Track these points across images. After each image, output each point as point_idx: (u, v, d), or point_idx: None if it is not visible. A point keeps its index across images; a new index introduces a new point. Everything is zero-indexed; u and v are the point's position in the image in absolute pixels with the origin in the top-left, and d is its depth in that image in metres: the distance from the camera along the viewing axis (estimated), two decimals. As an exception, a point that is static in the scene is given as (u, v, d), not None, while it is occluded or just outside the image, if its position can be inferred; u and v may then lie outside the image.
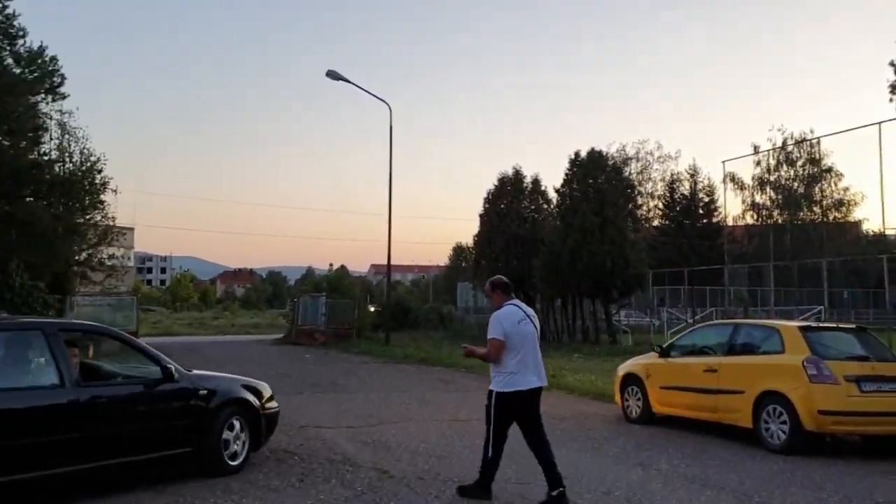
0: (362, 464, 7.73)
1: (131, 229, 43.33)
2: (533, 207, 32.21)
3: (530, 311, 6.70)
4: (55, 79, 18.83)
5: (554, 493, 6.30)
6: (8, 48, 17.96)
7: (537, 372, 6.48)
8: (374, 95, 29.10)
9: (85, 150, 28.23)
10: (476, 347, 6.91)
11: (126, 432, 6.49)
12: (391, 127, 28.91)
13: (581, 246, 26.79)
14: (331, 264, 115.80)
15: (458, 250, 67.70)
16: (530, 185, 32.28)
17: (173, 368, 7.00)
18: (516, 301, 6.73)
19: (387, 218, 28.76)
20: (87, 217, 25.72)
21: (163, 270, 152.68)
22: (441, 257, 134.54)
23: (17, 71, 17.57)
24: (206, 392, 7.18)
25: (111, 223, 30.19)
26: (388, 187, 28.86)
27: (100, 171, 27.43)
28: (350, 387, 15.59)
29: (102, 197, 26.97)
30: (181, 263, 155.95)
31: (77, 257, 27.20)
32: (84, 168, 26.28)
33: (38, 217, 18.40)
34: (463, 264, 60.01)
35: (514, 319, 6.47)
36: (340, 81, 28.19)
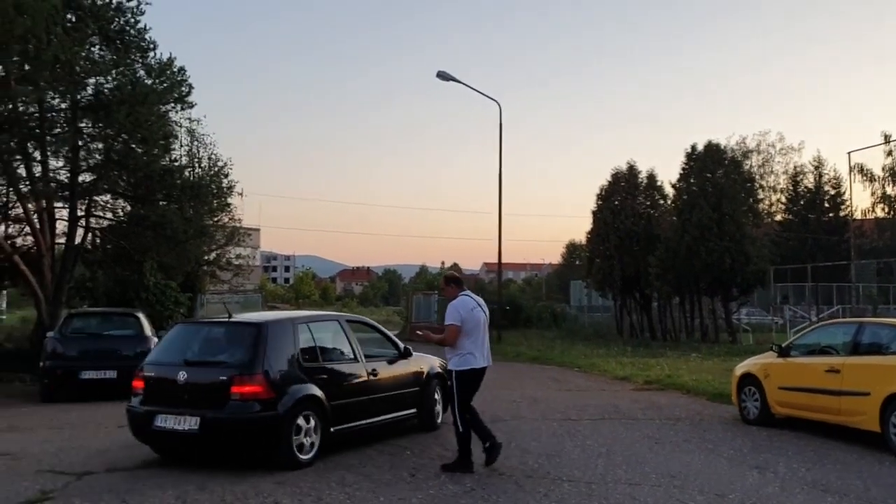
0: (472, 460, 7.84)
1: (257, 230, 45.25)
2: (648, 203, 31.48)
3: (480, 300, 7.78)
4: (183, 88, 19.79)
5: (486, 445, 7.58)
6: (140, 61, 19.02)
7: (484, 354, 7.64)
8: (484, 94, 29.28)
9: (212, 156, 29.77)
10: (431, 333, 8.32)
11: (389, 396, 8.93)
12: (501, 125, 29.03)
13: (699, 242, 26.02)
14: (443, 262, 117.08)
15: (571, 248, 66.99)
16: (645, 181, 31.57)
17: (410, 348, 9.55)
18: (468, 292, 7.84)
19: (497, 216, 28.91)
20: (216, 219, 27.07)
21: (286, 269, 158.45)
22: (553, 255, 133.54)
23: (149, 82, 18.56)
24: (424, 367, 9.70)
25: (238, 224, 31.72)
26: (499, 185, 29.00)
27: (226, 176, 28.84)
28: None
29: (229, 200, 28.34)
30: (303, 262, 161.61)
31: (206, 257, 28.69)
32: (212, 173, 27.69)
33: (169, 220, 19.42)
34: (576, 262, 59.40)
35: (468, 307, 7.57)
36: (451, 81, 28.50)
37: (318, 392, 7.73)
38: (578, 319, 39.19)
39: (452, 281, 7.94)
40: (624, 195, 31.27)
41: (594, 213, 32.02)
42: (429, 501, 6.29)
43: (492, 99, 29.27)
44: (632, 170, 31.62)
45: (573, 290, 43.12)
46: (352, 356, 8.59)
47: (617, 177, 31.73)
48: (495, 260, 30.58)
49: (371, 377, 8.63)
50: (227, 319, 8.23)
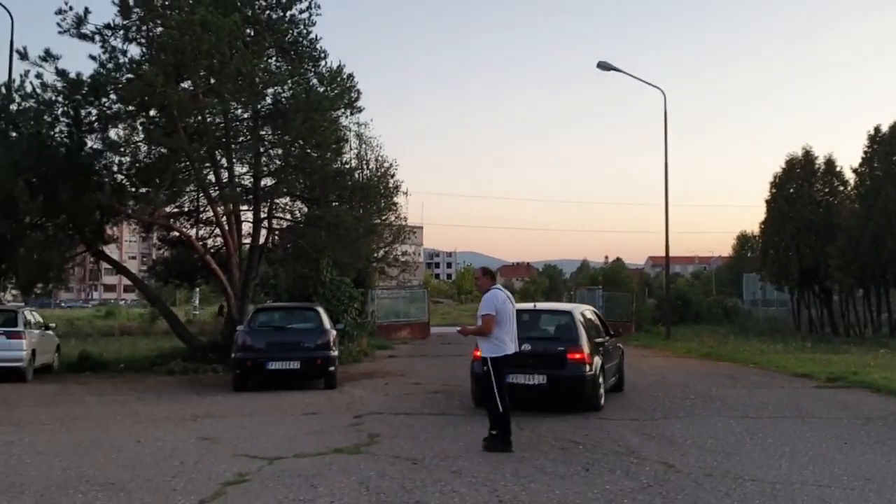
0: (647, 456, 7.72)
1: (420, 228, 46.49)
2: (827, 190, 29.52)
3: (509, 294, 8.61)
4: (352, 94, 20.65)
5: (493, 432, 8.18)
6: (312, 70, 20.01)
7: (515, 342, 8.42)
8: (647, 83, 28.53)
9: (379, 158, 31.01)
10: (468, 326, 9.22)
11: (614, 365, 12.29)
12: (665, 113, 28.17)
13: (885, 231, 24.17)
14: (606, 257, 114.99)
15: (743, 239, 63.84)
16: (823, 166, 29.62)
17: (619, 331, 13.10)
18: (499, 286, 8.64)
19: (663, 208, 28.07)
20: (383, 218, 28.17)
21: (448, 265, 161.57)
22: (723, 247, 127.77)
23: (321, 90, 19.46)
24: (621, 345, 13.14)
25: (403, 223, 32.81)
26: (664, 176, 28.15)
27: (392, 176, 29.98)
28: (631, 380, 15.46)
29: (395, 199, 29.42)
30: (465, 258, 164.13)
31: (376, 254, 29.91)
32: (379, 174, 28.87)
33: (342, 220, 20.34)
34: (748, 254, 56.55)
35: (501, 299, 8.32)
36: (612, 71, 27.98)
37: (601, 358, 11.22)
38: (752, 314, 37.36)
39: (487, 274, 8.85)
40: (800, 182, 29.53)
41: (767, 202, 30.45)
42: (604, 496, 6.25)
43: (655, 87, 28.52)
44: (808, 155, 29.78)
45: (746, 284, 41.13)
46: (603, 335, 12.08)
47: (791, 163, 30.00)
48: (661, 253, 29.70)
49: (612, 350, 12.27)
50: (546, 307, 13.27)
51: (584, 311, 12.07)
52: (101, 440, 8.78)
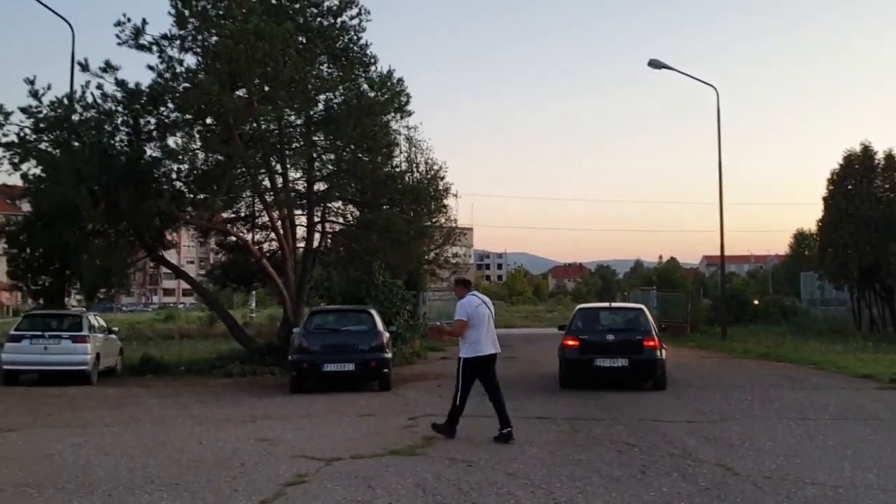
0: (704, 459, 7.65)
1: (470, 229, 46.55)
2: (887, 186, 28.63)
3: (486, 298, 9.28)
4: (402, 98, 20.83)
5: (504, 431, 8.62)
6: (363, 75, 20.25)
7: (492, 342, 9.02)
8: (699, 80, 28.17)
9: (429, 160, 31.12)
10: (445, 326, 10.18)
11: None
12: (718, 111, 27.88)
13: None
14: (660, 257, 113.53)
15: (800, 237, 62.33)
16: (883, 162, 28.74)
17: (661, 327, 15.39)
18: (475, 292, 9.34)
19: (718, 206, 27.66)
20: (433, 220, 28.27)
21: (499, 266, 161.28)
22: (780, 246, 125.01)
23: (372, 95, 19.67)
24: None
25: (453, 225, 32.89)
26: (719, 174, 27.79)
27: (442, 178, 30.05)
28: (686, 381, 15.30)
29: (445, 201, 29.50)
30: (515, 259, 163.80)
31: (427, 257, 30.05)
32: (429, 176, 28.98)
33: (393, 222, 20.52)
34: (806, 252, 55.22)
35: (474, 305, 8.97)
36: (663, 69, 27.67)
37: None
38: (810, 314, 36.51)
39: (461, 283, 9.60)
40: (858, 178, 28.72)
41: (825, 199, 29.69)
42: (661, 499, 6.21)
43: (708, 84, 28.16)
44: (867, 151, 28.94)
45: (803, 283, 40.20)
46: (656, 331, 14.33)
47: (850, 159, 29.20)
48: (716, 253, 29.28)
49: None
50: (620, 305, 16.99)
51: (647, 308, 15.41)
52: (165, 442, 9.03)
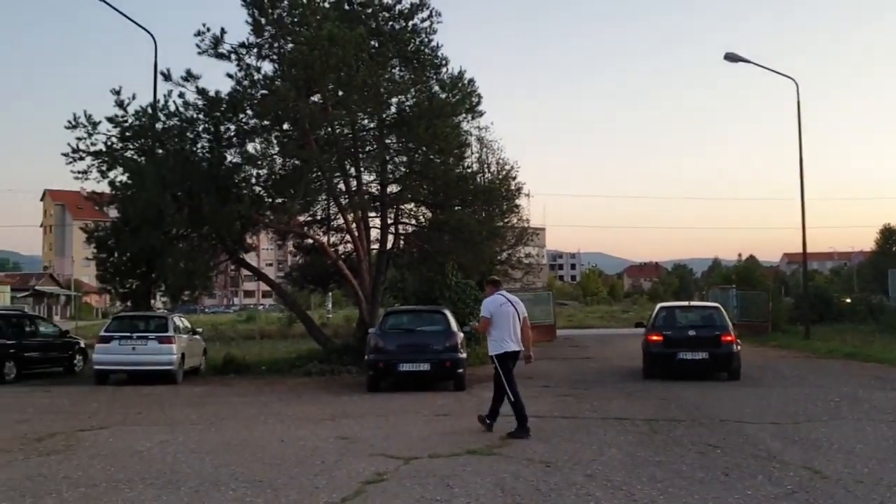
0: (790, 462, 7.43)
1: (543, 229, 46.23)
2: None
3: (512, 297, 9.66)
4: (473, 99, 20.86)
5: (486, 418, 9.48)
6: (434, 77, 20.38)
7: (515, 340, 9.33)
8: (778, 73, 27.36)
9: (500, 160, 31.08)
10: (474, 325, 11.33)
11: None
12: (798, 104, 26.98)
13: None
14: (739, 255, 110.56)
15: (887, 233, 60.01)
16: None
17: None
18: (502, 291, 9.78)
19: (799, 202, 26.81)
20: (506, 220, 28.24)
21: (572, 266, 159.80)
22: (865, 242, 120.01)
23: (443, 96, 19.76)
24: None
25: (526, 225, 32.75)
26: (799, 169, 26.92)
27: (514, 178, 29.97)
28: (769, 381, 14.90)
29: (517, 201, 29.42)
30: (589, 259, 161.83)
31: (499, 257, 30.01)
32: (500, 176, 28.94)
33: (465, 223, 20.56)
34: (893, 248, 53.05)
35: (497, 304, 9.44)
36: (739, 63, 26.98)
37: None
38: (900, 311, 34.97)
39: (491, 283, 10.12)
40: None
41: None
42: (746, 502, 6.06)
43: (787, 77, 27.31)
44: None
45: (892, 280, 38.61)
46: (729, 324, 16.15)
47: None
48: (797, 250, 28.38)
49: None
50: (699, 304, 18.60)
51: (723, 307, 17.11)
52: (248, 439, 9.26)
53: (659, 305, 18.15)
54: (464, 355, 14.59)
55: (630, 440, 8.77)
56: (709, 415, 10.34)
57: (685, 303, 20.06)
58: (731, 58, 26.91)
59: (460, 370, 14.22)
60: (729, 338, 15.30)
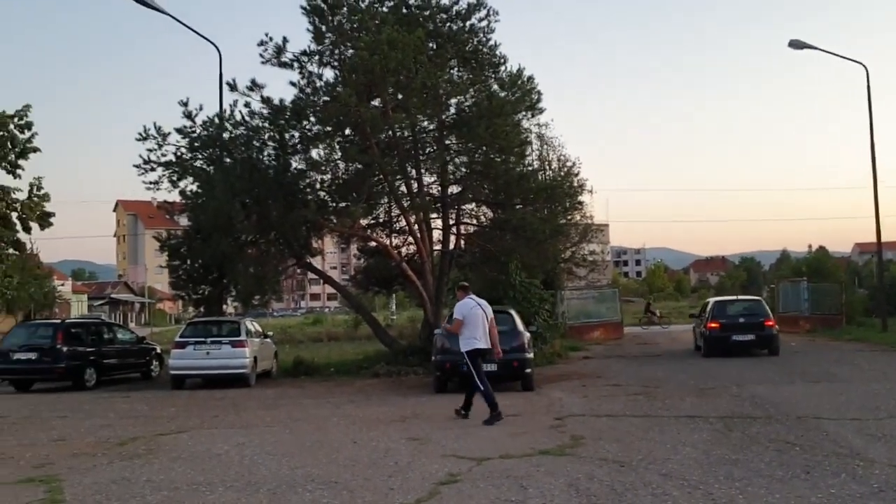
0: (875, 459, 7.21)
1: (606, 226, 45.73)
2: None
3: (482, 301, 11.06)
4: (533, 96, 20.76)
5: (462, 410, 10.95)
6: (493, 76, 20.37)
7: (483, 339, 10.74)
8: (846, 58, 26.52)
9: (561, 157, 30.87)
10: (446, 326, 12.75)
11: None
12: (869, 89, 26.06)
13: None
14: (809, 246, 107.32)
15: (970, 218, 57.34)
16: None
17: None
18: (472, 296, 11.13)
19: (872, 190, 25.94)
20: (569, 218, 28.00)
21: (637, 262, 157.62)
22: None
23: (502, 95, 19.72)
24: None
25: (589, 221, 32.43)
26: (871, 156, 26.02)
27: (576, 175, 29.73)
28: (846, 376, 14.46)
29: (580, 198, 29.14)
30: (653, 254, 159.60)
31: (563, 255, 29.81)
32: (562, 173, 28.72)
33: (528, 222, 20.47)
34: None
35: (469, 307, 10.89)
36: (805, 50, 26.24)
37: None
38: None
39: (461, 289, 11.43)
40: None
41: None
42: (830, 501, 5.90)
43: (856, 62, 26.41)
44: None
45: (975, 268, 36.94)
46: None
47: None
48: (870, 239, 27.62)
49: None
50: (744, 297, 23.39)
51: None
52: (322, 441, 9.42)
53: (712, 300, 23.75)
54: (531, 355, 14.52)
55: (705, 438, 8.63)
56: (785, 412, 10.10)
57: (733, 297, 26.01)
58: (797, 45, 26.20)
59: (528, 370, 14.17)
60: (770, 323, 19.99)
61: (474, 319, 10.80)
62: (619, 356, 21.75)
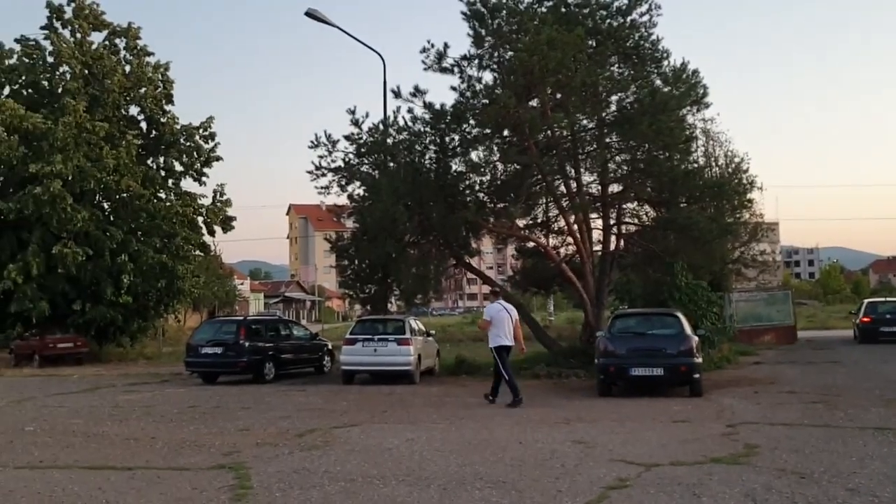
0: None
1: (776, 224, 43.42)
2: None
3: (507, 305, 13.49)
4: (698, 91, 20.03)
5: (490, 395, 13.31)
6: (655, 71, 19.80)
7: (508, 337, 12.98)
8: None
9: (728, 153, 29.61)
10: (479, 322, 15.57)
11: None
12: None
13: None
14: None
15: None
16: None
17: None
18: (500, 300, 13.67)
19: None
20: (737, 216, 26.76)
21: (810, 263, 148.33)
22: None
23: (666, 90, 19.15)
24: None
25: (759, 220, 30.89)
26: None
27: (745, 171, 28.43)
28: None
29: (749, 196, 27.80)
30: (828, 254, 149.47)
31: (731, 256, 28.55)
32: (730, 170, 27.55)
33: (694, 221, 19.71)
34: None
35: (496, 310, 13.25)
36: None
37: None
38: None
39: (493, 293, 14.29)
40: None
41: None
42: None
43: None
44: None
45: None
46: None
47: None
48: None
49: None
50: (889, 299, 27.69)
51: None
52: (488, 440, 9.55)
53: (866, 301, 30.58)
54: (699, 360, 14.01)
55: (895, 453, 8.02)
56: None
57: (881, 299, 33.64)
58: None
59: (696, 375, 13.68)
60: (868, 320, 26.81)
61: (500, 320, 13.06)
62: (793, 362, 20.56)
